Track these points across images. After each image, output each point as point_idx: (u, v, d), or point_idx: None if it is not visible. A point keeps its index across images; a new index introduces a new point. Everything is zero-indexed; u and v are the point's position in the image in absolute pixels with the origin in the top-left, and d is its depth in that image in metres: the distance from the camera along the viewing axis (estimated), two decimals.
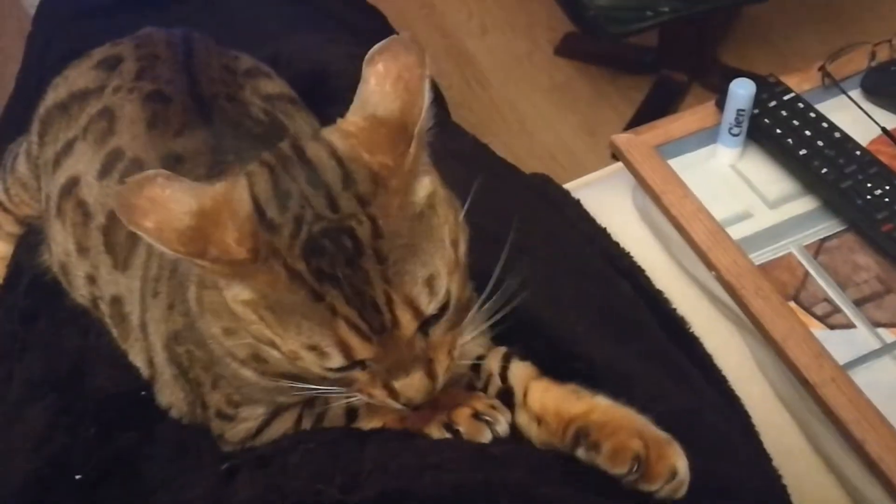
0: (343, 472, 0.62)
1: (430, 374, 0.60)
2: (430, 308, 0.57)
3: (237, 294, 0.58)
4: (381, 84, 0.58)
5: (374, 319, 0.56)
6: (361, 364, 0.59)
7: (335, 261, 0.55)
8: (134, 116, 0.83)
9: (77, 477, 0.74)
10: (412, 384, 0.59)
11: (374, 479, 0.61)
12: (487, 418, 0.66)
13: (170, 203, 0.56)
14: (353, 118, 0.60)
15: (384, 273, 0.56)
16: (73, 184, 0.83)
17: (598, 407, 0.66)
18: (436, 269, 0.58)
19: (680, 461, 0.63)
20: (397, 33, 1.38)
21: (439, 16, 2.23)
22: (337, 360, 0.57)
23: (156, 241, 0.56)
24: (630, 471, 0.62)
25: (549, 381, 0.70)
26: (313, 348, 0.57)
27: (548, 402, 0.68)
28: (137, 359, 0.82)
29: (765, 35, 2.07)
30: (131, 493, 0.73)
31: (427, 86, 0.58)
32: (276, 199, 0.57)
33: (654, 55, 2.03)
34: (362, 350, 0.57)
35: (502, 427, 0.66)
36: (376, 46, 0.59)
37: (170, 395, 0.80)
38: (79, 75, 0.91)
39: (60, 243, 0.86)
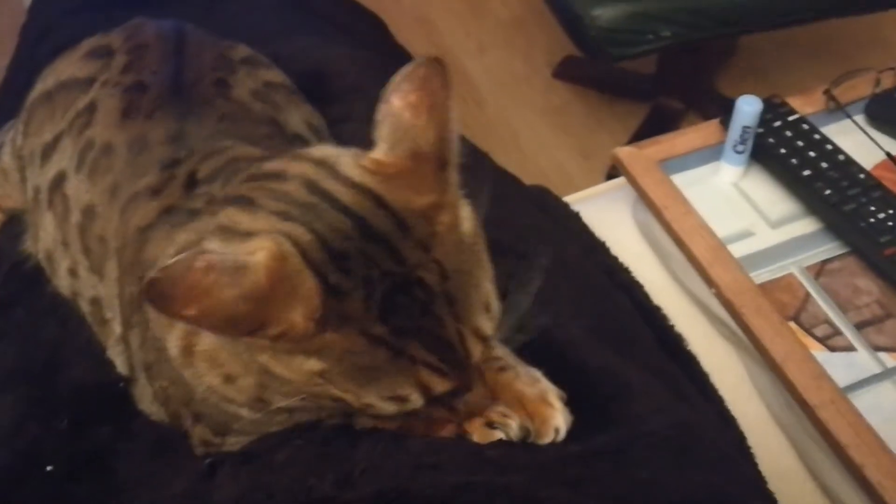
0: (335, 470, 0.60)
1: (483, 382, 0.60)
2: (491, 331, 0.58)
3: (301, 365, 0.54)
4: (417, 116, 0.56)
5: (450, 357, 0.56)
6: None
7: (410, 313, 0.54)
8: (110, 107, 0.80)
9: (48, 468, 0.71)
10: (474, 399, 0.60)
11: (369, 478, 0.59)
12: (500, 427, 0.65)
13: (217, 289, 0.50)
14: (393, 158, 0.56)
15: (454, 313, 0.55)
16: (61, 178, 0.81)
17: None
18: (488, 292, 0.58)
19: (561, 420, 0.66)
20: (397, 42, 1.36)
21: (438, 34, 2.23)
22: (417, 402, 0.57)
23: (197, 325, 0.52)
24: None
25: None
26: (393, 398, 0.56)
27: None
28: (117, 359, 0.79)
29: (761, 67, 2.08)
30: (105, 489, 0.70)
31: (454, 106, 0.56)
32: (335, 262, 0.53)
33: (651, 82, 2.03)
34: (441, 386, 0.57)
35: (514, 432, 0.65)
36: (401, 73, 0.56)
37: (150, 405, 0.77)
38: (67, 65, 0.89)
39: (50, 233, 0.83)
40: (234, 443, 0.68)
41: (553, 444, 0.65)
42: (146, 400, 0.76)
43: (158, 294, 0.50)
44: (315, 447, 0.62)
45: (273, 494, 0.59)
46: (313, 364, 0.54)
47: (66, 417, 0.75)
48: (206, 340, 0.61)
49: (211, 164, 0.71)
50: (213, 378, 0.62)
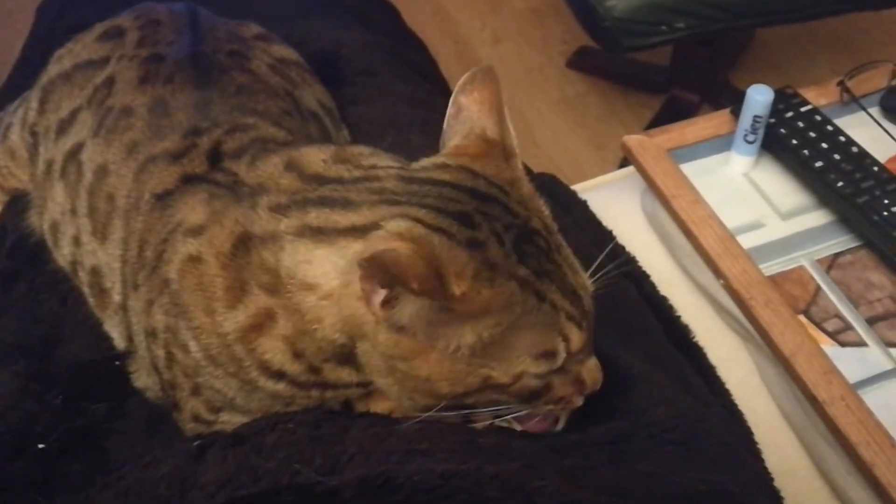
0: (323, 455, 0.59)
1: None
2: (593, 289, 0.62)
3: (465, 334, 0.56)
4: (482, 110, 0.64)
5: (578, 305, 0.60)
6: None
7: (539, 259, 0.58)
8: (129, 77, 0.81)
9: (40, 446, 0.70)
10: (594, 367, 0.63)
11: (357, 463, 0.58)
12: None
13: (403, 260, 0.52)
14: (466, 142, 0.64)
15: (567, 262, 0.60)
16: (77, 148, 0.82)
17: None
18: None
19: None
20: (410, 28, 1.36)
21: (453, 23, 2.21)
22: (561, 356, 0.59)
23: (426, 297, 0.54)
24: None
25: None
26: (544, 355, 0.58)
27: None
28: (114, 331, 0.78)
29: (777, 62, 2.05)
30: (95, 468, 0.69)
31: (506, 109, 0.65)
32: (459, 222, 0.57)
33: (666, 74, 2.01)
34: (577, 339, 0.59)
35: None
36: (465, 78, 0.65)
37: (146, 379, 0.76)
38: (83, 48, 0.90)
39: (59, 203, 0.83)
40: (226, 421, 0.67)
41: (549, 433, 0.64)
42: (142, 375, 0.75)
43: (370, 279, 0.54)
44: (306, 430, 0.61)
45: (259, 478, 0.58)
46: (480, 328, 0.56)
47: (60, 394, 0.75)
48: (289, 325, 0.61)
49: (237, 139, 0.72)
50: (278, 354, 0.62)
